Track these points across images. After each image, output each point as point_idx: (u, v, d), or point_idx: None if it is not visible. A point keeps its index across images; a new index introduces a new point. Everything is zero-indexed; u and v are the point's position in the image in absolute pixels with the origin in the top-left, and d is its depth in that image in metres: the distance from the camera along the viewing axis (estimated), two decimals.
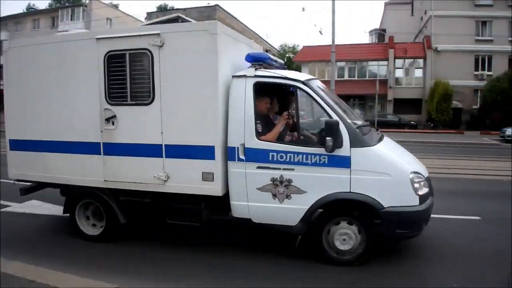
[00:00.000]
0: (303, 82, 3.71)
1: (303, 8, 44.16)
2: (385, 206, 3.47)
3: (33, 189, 4.54)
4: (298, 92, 3.67)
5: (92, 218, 4.41)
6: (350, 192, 3.52)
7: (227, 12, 27.80)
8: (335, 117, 3.53)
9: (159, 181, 3.80)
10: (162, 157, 3.76)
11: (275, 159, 3.66)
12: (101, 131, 3.95)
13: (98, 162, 3.96)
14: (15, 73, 4.23)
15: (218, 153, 3.68)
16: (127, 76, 3.79)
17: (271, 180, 3.71)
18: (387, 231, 3.52)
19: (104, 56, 3.86)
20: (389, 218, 3.44)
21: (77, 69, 3.92)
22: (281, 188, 3.68)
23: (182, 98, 3.72)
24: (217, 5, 26.22)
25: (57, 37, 4.29)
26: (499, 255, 4.27)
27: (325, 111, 3.58)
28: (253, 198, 3.76)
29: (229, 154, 3.74)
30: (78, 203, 4.34)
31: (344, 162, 3.46)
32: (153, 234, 4.52)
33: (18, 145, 4.26)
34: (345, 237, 3.71)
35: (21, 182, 4.43)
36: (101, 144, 3.94)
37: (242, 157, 3.72)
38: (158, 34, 3.68)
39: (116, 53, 3.83)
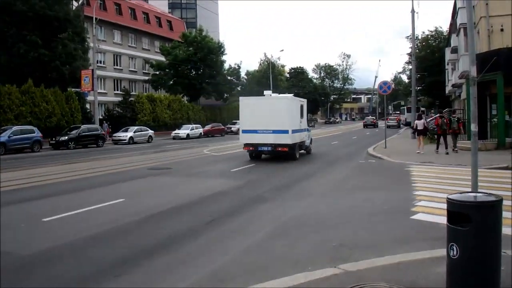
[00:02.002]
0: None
1: None
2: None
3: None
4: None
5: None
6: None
7: None
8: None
9: (304, 138, 22.19)
10: (305, 131, 22.62)
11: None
12: (300, 125, 21.33)
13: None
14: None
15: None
16: (302, 112, 22.03)
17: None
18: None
19: (300, 105, 21.96)
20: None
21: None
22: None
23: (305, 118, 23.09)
24: None
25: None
26: None
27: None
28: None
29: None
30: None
31: (305, 130, 22.75)
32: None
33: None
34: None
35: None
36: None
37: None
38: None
39: (300, 104, 22.11)
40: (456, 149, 22.22)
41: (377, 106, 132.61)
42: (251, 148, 20.39)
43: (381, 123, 73.22)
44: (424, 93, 69.33)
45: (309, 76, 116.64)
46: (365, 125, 70.28)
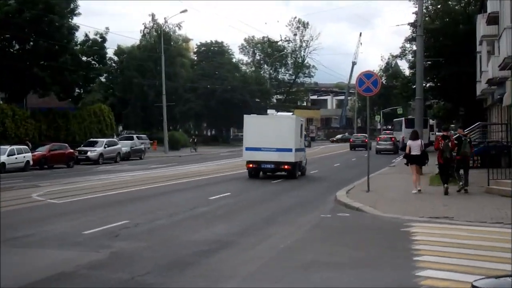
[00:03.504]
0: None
1: None
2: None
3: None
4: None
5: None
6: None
7: None
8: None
9: (302, 158, 43.88)
10: (303, 151, 46.95)
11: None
12: (300, 144, 44.99)
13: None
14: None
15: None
16: (302, 131, 44.65)
17: None
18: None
19: (300, 125, 44.21)
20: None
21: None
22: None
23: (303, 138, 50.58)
24: None
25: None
26: None
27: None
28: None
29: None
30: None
31: (303, 150, 46.76)
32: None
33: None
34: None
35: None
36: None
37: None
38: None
39: (301, 123, 45.35)
40: (465, 187, 24.81)
41: (354, 115, 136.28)
42: (254, 166, 37.26)
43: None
44: (438, 94, 70.67)
45: (234, 60, 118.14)
46: (353, 147, 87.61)
